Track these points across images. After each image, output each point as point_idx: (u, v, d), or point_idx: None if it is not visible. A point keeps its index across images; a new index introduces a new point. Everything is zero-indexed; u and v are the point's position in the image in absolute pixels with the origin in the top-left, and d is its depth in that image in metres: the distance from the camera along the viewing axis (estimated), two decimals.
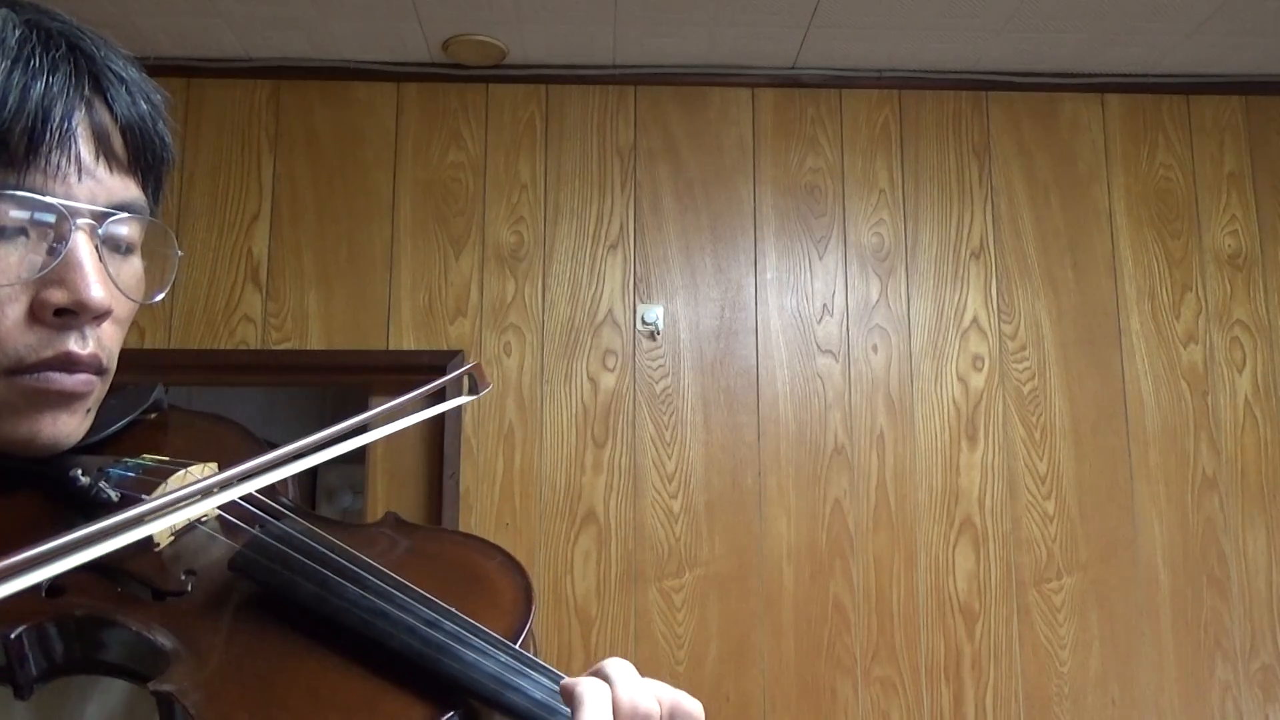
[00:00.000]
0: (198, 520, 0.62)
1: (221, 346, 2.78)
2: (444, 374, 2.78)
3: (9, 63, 0.55)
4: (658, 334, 2.84)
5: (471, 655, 0.53)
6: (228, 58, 2.89)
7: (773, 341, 2.86)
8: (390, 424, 0.65)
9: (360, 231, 2.86)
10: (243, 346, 2.79)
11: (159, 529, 0.53)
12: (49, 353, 0.57)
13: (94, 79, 0.59)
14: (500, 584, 0.60)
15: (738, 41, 2.81)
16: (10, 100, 0.54)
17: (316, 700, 0.51)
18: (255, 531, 0.60)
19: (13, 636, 0.51)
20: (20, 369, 0.57)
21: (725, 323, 2.86)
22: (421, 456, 2.84)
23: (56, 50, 0.58)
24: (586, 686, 0.52)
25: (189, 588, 0.57)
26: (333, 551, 0.58)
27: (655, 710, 0.52)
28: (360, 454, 2.32)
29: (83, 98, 0.58)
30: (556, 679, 0.53)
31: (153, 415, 0.72)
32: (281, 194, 2.87)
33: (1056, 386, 2.86)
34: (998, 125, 2.99)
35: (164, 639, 0.53)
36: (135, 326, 2.79)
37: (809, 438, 2.81)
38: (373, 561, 0.58)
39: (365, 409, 3.05)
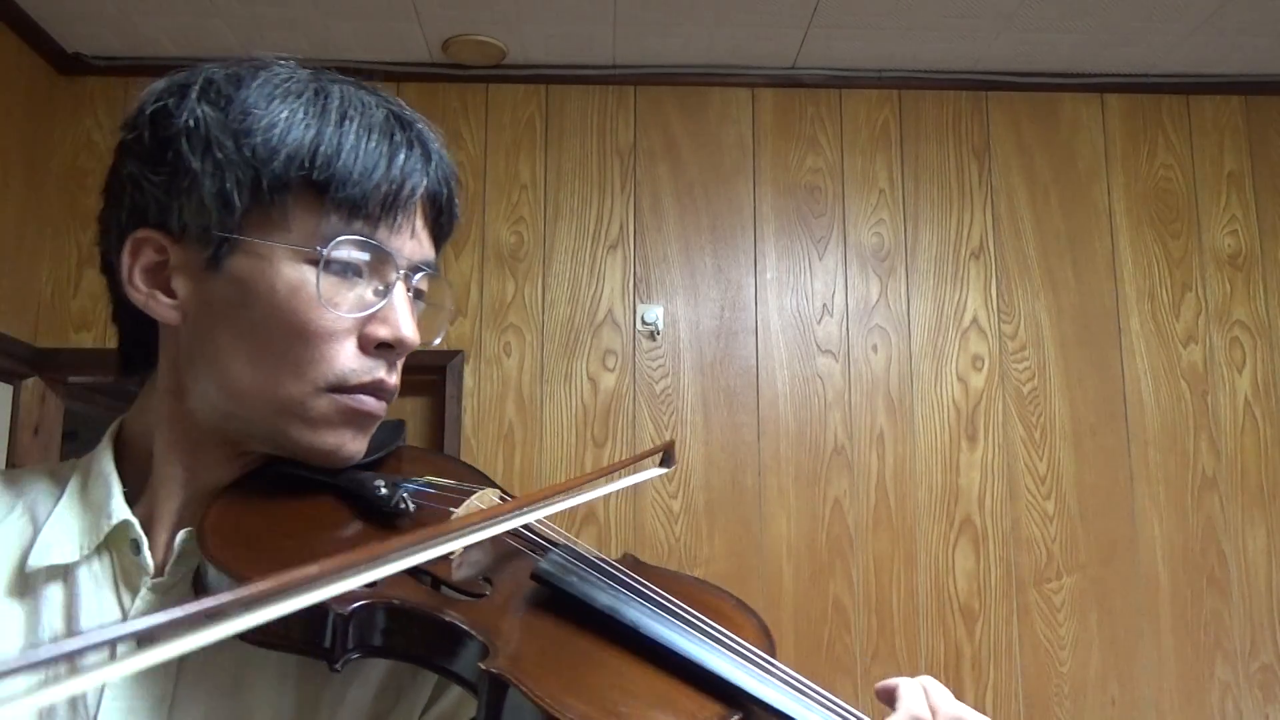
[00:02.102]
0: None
1: None
2: (444, 374, 2.78)
3: (378, 136, 0.67)
4: (658, 334, 2.84)
5: (754, 669, 0.59)
6: (228, 58, 2.88)
7: (773, 341, 2.86)
8: (610, 485, 0.74)
9: None
10: None
11: (474, 540, 0.62)
12: (368, 378, 0.68)
13: (432, 160, 0.71)
14: (741, 621, 0.67)
15: (738, 41, 2.81)
16: (379, 166, 0.66)
17: (623, 690, 0.58)
18: (551, 549, 0.68)
19: (345, 613, 0.59)
20: (342, 389, 0.67)
21: (725, 323, 2.86)
22: None
23: (409, 132, 0.70)
24: (907, 686, 0.61)
25: (487, 591, 0.64)
26: (616, 571, 0.67)
27: None
28: None
29: (425, 174, 0.70)
30: (829, 698, 0.59)
31: (394, 447, 0.80)
32: None
33: (1056, 386, 2.86)
34: (998, 125, 2.99)
35: (474, 631, 0.59)
36: None
37: (809, 438, 2.81)
38: (648, 582, 0.66)
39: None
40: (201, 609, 0.45)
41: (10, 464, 2.70)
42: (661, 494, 2.75)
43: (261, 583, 0.48)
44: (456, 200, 0.75)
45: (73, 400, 3.02)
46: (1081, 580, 2.77)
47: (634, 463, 0.78)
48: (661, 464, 0.79)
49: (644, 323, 2.84)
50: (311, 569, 0.50)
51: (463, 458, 2.74)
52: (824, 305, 2.88)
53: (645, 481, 0.76)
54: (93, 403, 3.44)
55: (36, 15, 2.69)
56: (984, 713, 0.61)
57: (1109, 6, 2.62)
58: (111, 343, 0.68)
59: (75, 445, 3.55)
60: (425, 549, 0.56)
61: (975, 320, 2.89)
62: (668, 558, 2.72)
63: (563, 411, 2.80)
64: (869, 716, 0.59)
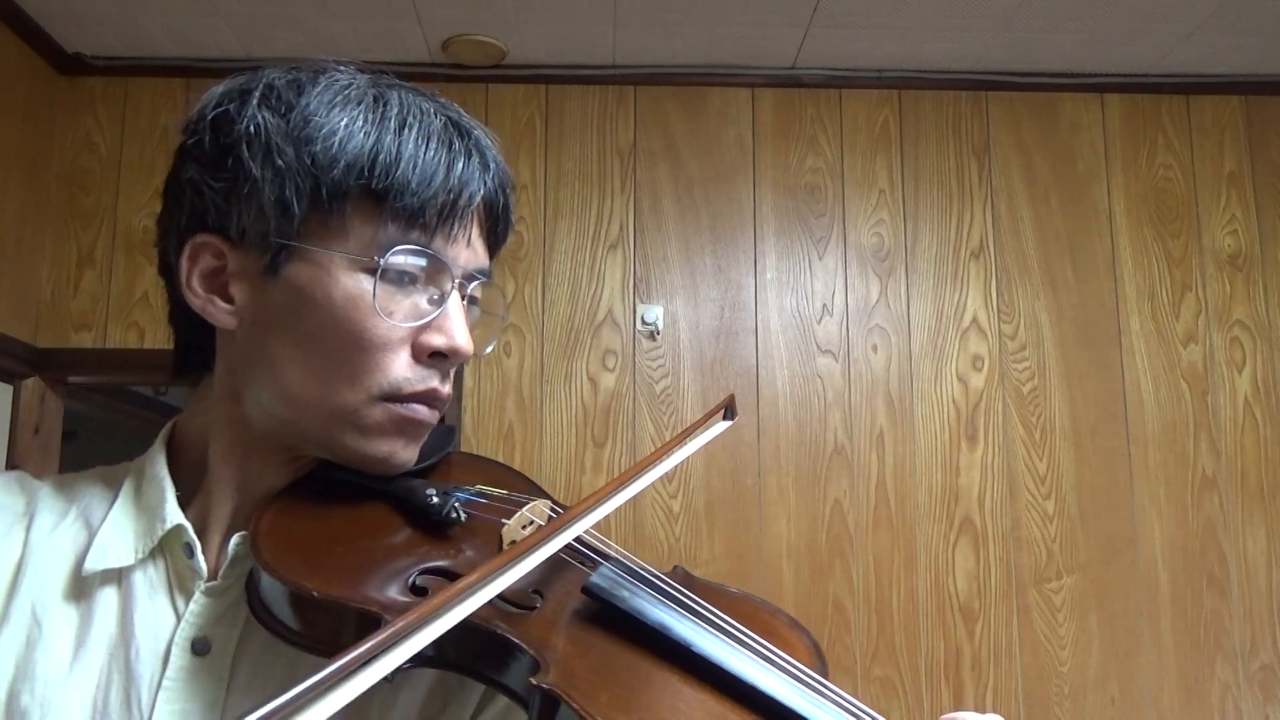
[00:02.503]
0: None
1: None
2: None
3: (436, 144, 0.67)
4: (658, 334, 2.84)
5: (806, 689, 0.58)
6: (228, 58, 2.89)
7: (773, 341, 2.86)
8: (673, 457, 0.73)
9: None
10: None
11: (542, 559, 0.61)
12: (421, 387, 0.68)
13: (490, 168, 0.71)
14: (793, 640, 0.66)
15: (738, 41, 2.81)
16: (438, 175, 0.66)
17: (674, 709, 0.57)
18: (602, 562, 0.67)
19: None
20: (396, 397, 0.67)
21: (725, 323, 2.86)
22: None
23: (468, 139, 0.70)
24: None
25: (538, 604, 0.64)
26: (667, 586, 0.66)
27: None
28: None
29: (483, 182, 0.70)
30: None
31: (445, 453, 0.80)
32: None
33: (1056, 386, 2.86)
34: (998, 125, 2.99)
35: (525, 645, 0.59)
36: (135, 327, 2.80)
37: (809, 438, 2.81)
38: (700, 598, 0.65)
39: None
40: (325, 676, 0.47)
41: (10, 464, 2.70)
42: (661, 494, 2.75)
43: (360, 647, 0.49)
44: (512, 208, 0.75)
45: (73, 400, 3.02)
46: (1081, 580, 2.77)
47: (701, 424, 0.77)
48: (725, 418, 0.78)
49: (644, 323, 2.84)
50: (409, 618, 0.51)
51: None
52: (824, 305, 2.88)
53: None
54: (92, 403, 3.44)
55: (36, 15, 2.69)
56: (984, 713, 0.60)
57: (1109, 6, 2.62)
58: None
59: (75, 445, 3.55)
60: (501, 575, 0.57)
61: (975, 320, 2.89)
62: (667, 558, 2.72)
63: (563, 411, 2.80)
64: None
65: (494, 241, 0.75)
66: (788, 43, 2.81)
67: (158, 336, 2.80)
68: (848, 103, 2.99)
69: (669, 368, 2.83)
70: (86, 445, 4.46)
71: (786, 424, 2.81)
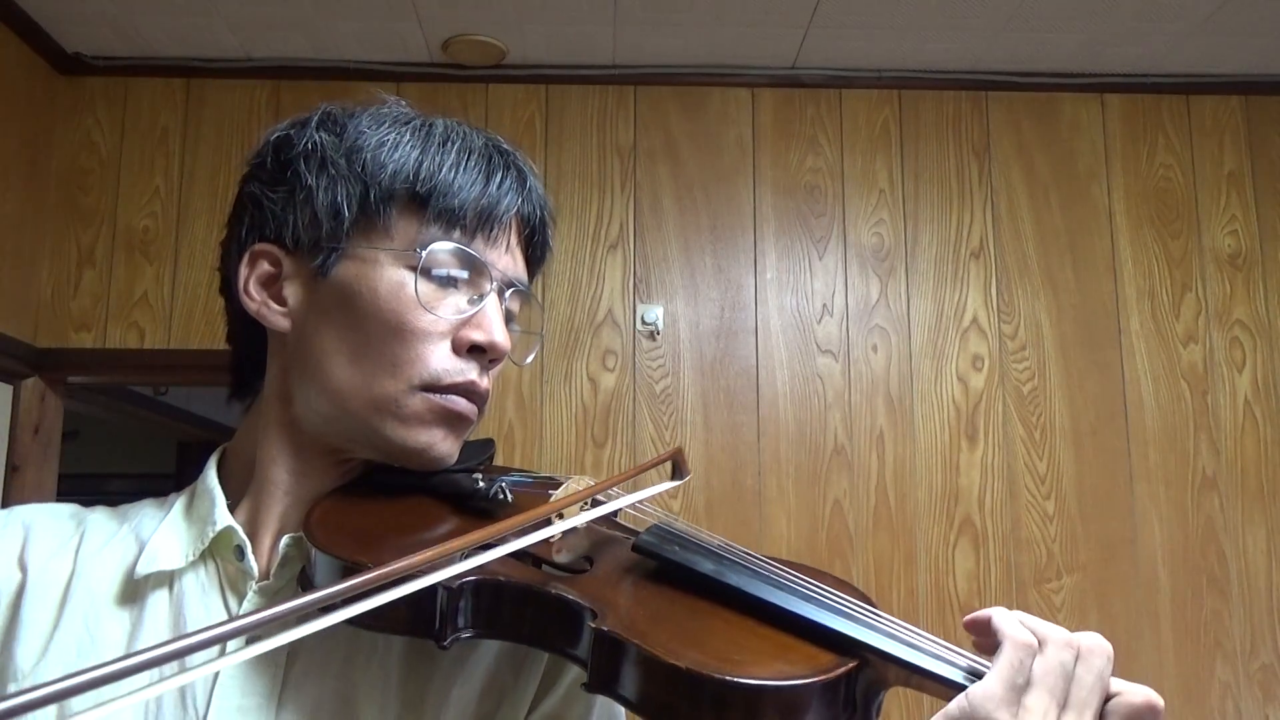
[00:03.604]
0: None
1: (221, 347, 2.78)
2: None
3: (477, 158, 0.74)
4: (658, 334, 2.84)
5: (861, 617, 0.61)
6: (228, 58, 2.89)
7: (773, 341, 2.85)
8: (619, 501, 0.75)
9: None
10: None
11: (588, 519, 0.66)
12: (460, 379, 0.72)
13: (527, 184, 0.77)
14: (840, 587, 0.67)
15: (738, 41, 2.81)
16: (478, 184, 0.73)
17: (736, 643, 0.59)
18: (654, 523, 0.71)
19: (454, 588, 0.60)
20: (435, 388, 0.71)
21: (725, 323, 2.86)
22: None
23: (506, 158, 0.77)
24: (1005, 619, 0.59)
25: (589, 566, 0.67)
26: (714, 541, 0.69)
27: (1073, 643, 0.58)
28: None
29: (519, 195, 0.76)
30: (939, 642, 0.60)
31: (483, 461, 0.83)
32: None
33: (1056, 386, 2.86)
34: (998, 125, 2.99)
35: (580, 600, 0.61)
36: (135, 327, 2.79)
37: (809, 438, 2.81)
38: (744, 549, 0.68)
39: None
40: (315, 599, 0.49)
41: (10, 464, 2.70)
42: (661, 494, 2.75)
43: (373, 570, 0.51)
44: (550, 229, 0.81)
45: (73, 400, 3.02)
46: (1081, 580, 2.77)
47: (638, 473, 0.79)
48: (674, 476, 0.79)
49: (644, 323, 2.84)
50: (421, 555, 0.54)
51: None
52: (824, 305, 2.88)
53: (642, 478, 0.77)
54: (93, 403, 3.44)
55: (36, 15, 2.69)
56: None
57: (1109, 6, 2.62)
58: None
59: (75, 445, 3.55)
60: (526, 532, 0.60)
61: (975, 320, 2.89)
62: None
63: (563, 411, 2.80)
64: (979, 656, 0.59)
65: (532, 259, 0.80)
66: (788, 43, 2.81)
67: (157, 336, 2.79)
68: (848, 103, 2.99)
69: (669, 368, 2.83)
70: (86, 445, 4.46)
71: (786, 424, 2.81)
